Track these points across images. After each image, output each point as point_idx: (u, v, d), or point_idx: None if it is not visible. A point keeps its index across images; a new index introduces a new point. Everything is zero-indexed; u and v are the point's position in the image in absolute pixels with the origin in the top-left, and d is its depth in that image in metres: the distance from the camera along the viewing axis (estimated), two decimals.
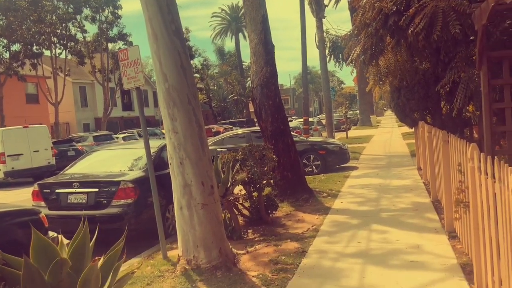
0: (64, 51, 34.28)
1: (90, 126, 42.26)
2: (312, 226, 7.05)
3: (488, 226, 3.50)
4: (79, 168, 7.98)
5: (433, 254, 5.20)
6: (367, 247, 5.74)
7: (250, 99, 10.12)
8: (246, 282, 4.83)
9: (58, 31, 32.85)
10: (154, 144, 7.78)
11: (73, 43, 34.23)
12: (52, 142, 19.63)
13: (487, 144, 5.53)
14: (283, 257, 5.54)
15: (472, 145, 3.94)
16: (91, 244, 2.99)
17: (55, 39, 33.22)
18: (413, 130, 14.23)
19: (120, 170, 7.43)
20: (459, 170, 4.75)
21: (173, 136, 5.26)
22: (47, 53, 33.58)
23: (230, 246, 5.62)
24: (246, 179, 7.20)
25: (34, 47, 31.46)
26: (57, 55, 34.11)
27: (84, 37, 36.51)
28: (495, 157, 3.34)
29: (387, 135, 28.22)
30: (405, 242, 5.75)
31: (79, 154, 17.72)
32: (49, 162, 18.51)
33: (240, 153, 7.47)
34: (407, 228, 6.42)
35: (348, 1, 19.64)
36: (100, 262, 2.92)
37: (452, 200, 5.42)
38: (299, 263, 5.29)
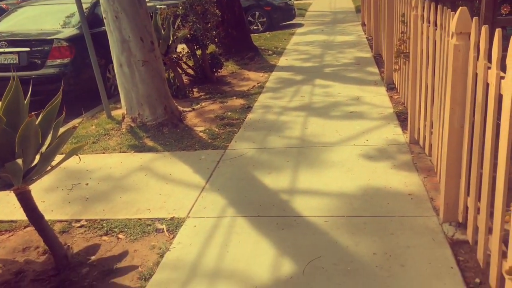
0: None
1: None
2: (258, 83, 7.09)
3: (426, 74, 3.62)
4: (5, 26, 7.30)
5: (371, 105, 5.45)
6: (310, 101, 5.90)
7: None
8: (193, 136, 4.92)
9: None
10: None
11: None
12: None
13: None
14: (229, 113, 5.63)
15: None
16: (26, 101, 2.84)
17: None
18: None
19: (53, 28, 6.90)
20: (403, 21, 4.75)
21: None
22: None
23: (176, 104, 5.60)
24: (188, 36, 6.93)
25: None
26: None
27: None
28: (439, 4, 3.32)
29: None
30: (346, 95, 5.95)
31: (3, 13, 16.15)
32: None
33: (180, 7, 7.06)
34: (348, 82, 6.60)
35: None
36: (38, 119, 2.82)
37: (393, 52, 5.52)
38: (245, 118, 5.41)
